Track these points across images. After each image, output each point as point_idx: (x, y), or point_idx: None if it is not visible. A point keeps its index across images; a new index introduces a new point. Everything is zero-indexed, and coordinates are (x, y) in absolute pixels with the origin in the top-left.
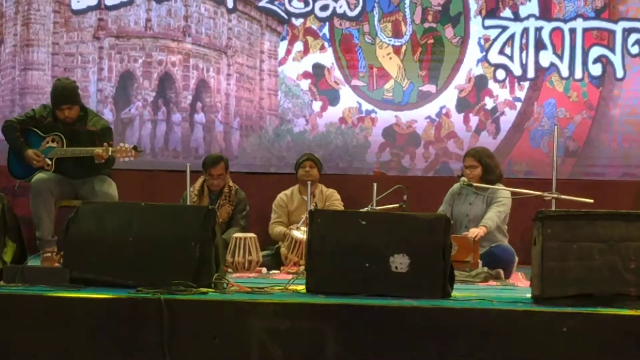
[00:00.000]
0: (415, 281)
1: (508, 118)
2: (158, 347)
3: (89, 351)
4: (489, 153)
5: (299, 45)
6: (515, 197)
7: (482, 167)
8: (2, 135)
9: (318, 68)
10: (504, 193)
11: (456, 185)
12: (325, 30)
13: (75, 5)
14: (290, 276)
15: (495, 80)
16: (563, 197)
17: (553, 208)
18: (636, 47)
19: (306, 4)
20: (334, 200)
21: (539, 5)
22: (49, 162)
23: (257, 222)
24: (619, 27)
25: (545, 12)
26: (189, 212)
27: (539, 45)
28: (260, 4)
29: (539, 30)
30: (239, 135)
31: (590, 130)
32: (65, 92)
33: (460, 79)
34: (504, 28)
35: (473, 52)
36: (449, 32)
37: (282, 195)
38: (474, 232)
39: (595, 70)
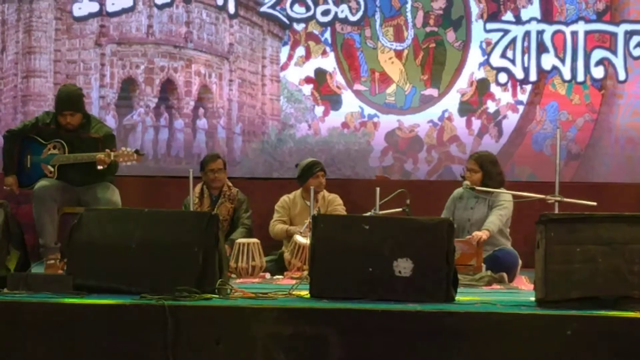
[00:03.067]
0: (419, 285)
1: (510, 121)
2: (162, 353)
3: (92, 358)
4: (492, 159)
5: (300, 50)
6: (518, 201)
7: (482, 173)
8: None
9: (320, 73)
10: (505, 196)
11: (457, 191)
12: (327, 35)
13: (76, 12)
14: (293, 281)
15: (498, 83)
16: (566, 200)
17: (556, 211)
18: (638, 49)
19: (308, 9)
20: (336, 205)
21: (540, 8)
22: (52, 169)
23: (260, 227)
24: (620, 30)
25: (547, 15)
26: (191, 218)
27: (541, 49)
28: (262, 9)
29: (540, 33)
30: (242, 140)
31: (593, 133)
32: (69, 99)
33: (462, 82)
34: (506, 31)
35: (475, 55)
36: (450, 36)
37: (285, 198)
38: (477, 235)
39: (598, 73)
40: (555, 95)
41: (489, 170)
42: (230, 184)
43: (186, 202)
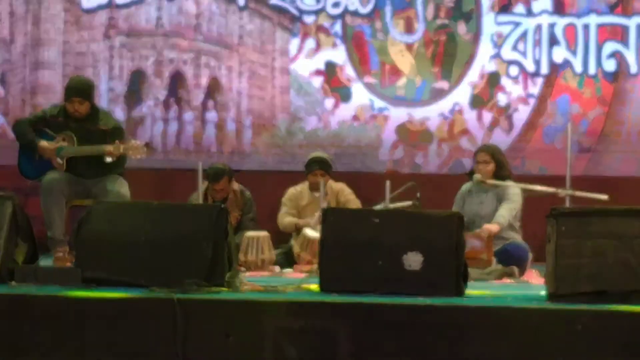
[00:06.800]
0: (429, 279)
1: (521, 114)
2: (171, 346)
3: (101, 351)
4: (500, 149)
5: (310, 43)
6: (529, 194)
7: (495, 163)
8: (13, 133)
9: (330, 65)
10: (514, 189)
11: (464, 186)
12: (337, 27)
13: (85, 4)
14: (303, 275)
15: (509, 76)
16: (577, 193)
17: (567, 205)
18: None
19: (318, 1)
20: (347, 194)
21: (552, 1)
22: (60, 162)
23: (269, 220)
24: (632, 22)
25: (559, 8)
26: (201, 211)
27: (552, 41)
28: (272, 1)
29: (552, 26)
30: (251, 133)
31: (604, 126)
32: (80, 86)
33: (473, 75)
34: (517, 24)
35: (486, 48)
36: (461, 28)
37: (292, 190)
38: (488, 228)
39: (609, 66)
40: (567, 88)
41: (500, 160)
42: (236, 187)
43: (191, 200)
